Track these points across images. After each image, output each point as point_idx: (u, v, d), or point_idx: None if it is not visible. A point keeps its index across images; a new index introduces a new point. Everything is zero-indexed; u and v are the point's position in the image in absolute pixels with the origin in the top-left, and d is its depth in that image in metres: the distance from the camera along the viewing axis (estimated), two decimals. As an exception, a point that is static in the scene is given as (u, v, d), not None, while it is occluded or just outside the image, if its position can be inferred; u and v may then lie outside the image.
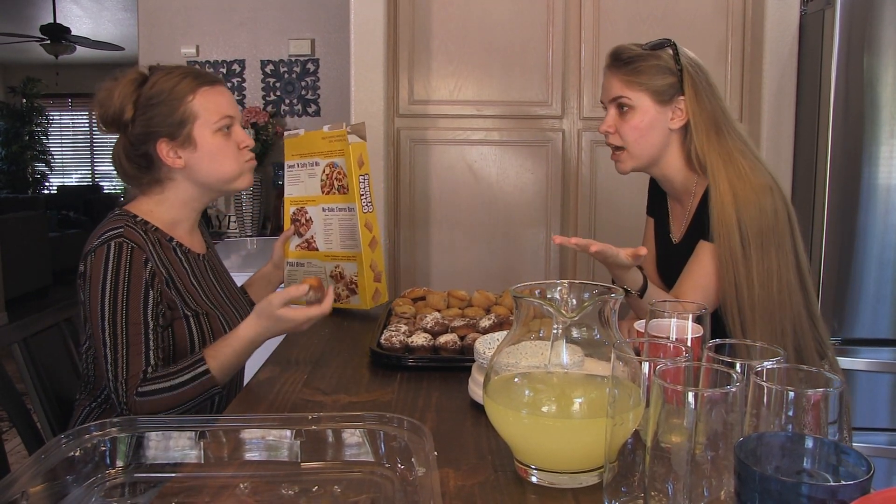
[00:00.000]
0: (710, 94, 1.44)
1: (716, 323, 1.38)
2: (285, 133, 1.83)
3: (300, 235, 1.79)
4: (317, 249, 1.77)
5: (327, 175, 1.73)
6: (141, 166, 1.39)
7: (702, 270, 1.41)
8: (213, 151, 1.38)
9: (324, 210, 1.74)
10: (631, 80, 1.43)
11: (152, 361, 1.27)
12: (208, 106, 1.37)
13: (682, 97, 1.43)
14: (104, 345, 1.25)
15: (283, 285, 1.77)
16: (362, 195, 1.68)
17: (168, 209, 1.41)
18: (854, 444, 1.46)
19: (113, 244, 1.28)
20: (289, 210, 1.82)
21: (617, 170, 1.52)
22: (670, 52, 1.44)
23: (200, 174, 1.39)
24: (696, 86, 1.43)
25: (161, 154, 1.36)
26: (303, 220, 1.78)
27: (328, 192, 1.73)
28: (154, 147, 1.36)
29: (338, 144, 1.68)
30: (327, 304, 1.31)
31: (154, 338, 1.28)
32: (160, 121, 1.34)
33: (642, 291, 1.40)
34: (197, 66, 1.50)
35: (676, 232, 1.56)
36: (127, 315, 1.26)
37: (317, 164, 1.74)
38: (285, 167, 1.81)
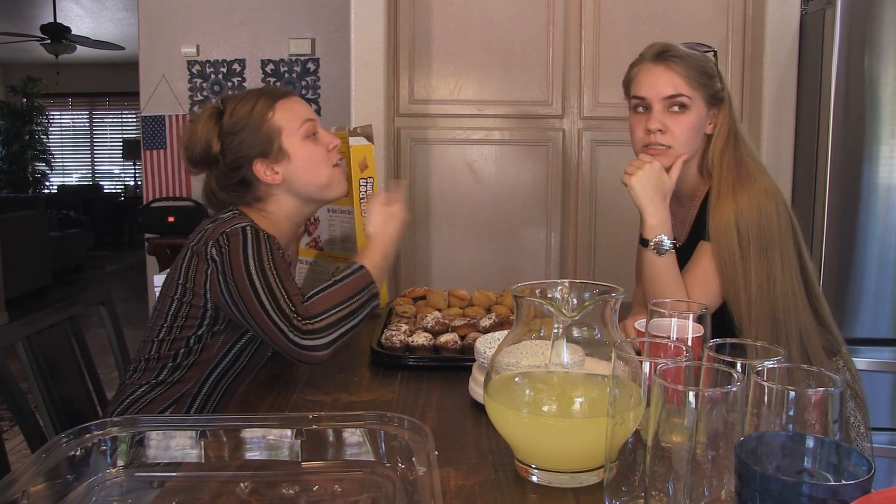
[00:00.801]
0: (733, 104, 1.45)
1: (716, 322, 1.38)
2: None
3: (309, 234, 1.80)
4: (321, 249, 1.78)
5: (396, 187, 1.73)
6: (238, 193, 1.42)
7: (702, 269, 1.41)
8: (306, 158, 1.40)
9: (328, 210, 1.75)
10: (691, 79, 1.38)
11: (302, 290, 1.30)
12: (288, 116, 1.40)
13: (721, 105, 1.43)
14: (258, 297, 1.24)
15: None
16: (362, 199, 1.67)
17: (272, 223, 1.43)
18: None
19: (249, 229, 1.31)
20: None
21: None
22: (712, 57, 1.44)
23: (297, 183, 1.42)
24: (730, 94, 1.44)
25: (258, 174, 1.39)
26: (311, 219, 1.78)
27: None
28: (250, 169, 1.39)
29: (340, 147, 1.68)
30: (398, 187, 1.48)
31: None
32: (249, 143, 1.38)
33: (674, 247, 1.39)
34: (267, 85, 1.52)
35: (679, 235, 1.56)
36: (275, 267, 1.28)
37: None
38: None
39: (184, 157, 1.43)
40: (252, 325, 1.27)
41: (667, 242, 1.38)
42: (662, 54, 1.40)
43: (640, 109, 1.43)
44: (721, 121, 1.43)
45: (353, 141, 1.65)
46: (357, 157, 1.66)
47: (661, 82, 1.39)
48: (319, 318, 1.23)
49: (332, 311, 1.25)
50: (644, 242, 1.40)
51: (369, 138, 1.68)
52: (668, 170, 1.40)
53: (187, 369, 1.36)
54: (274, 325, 1.22)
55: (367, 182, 1.67)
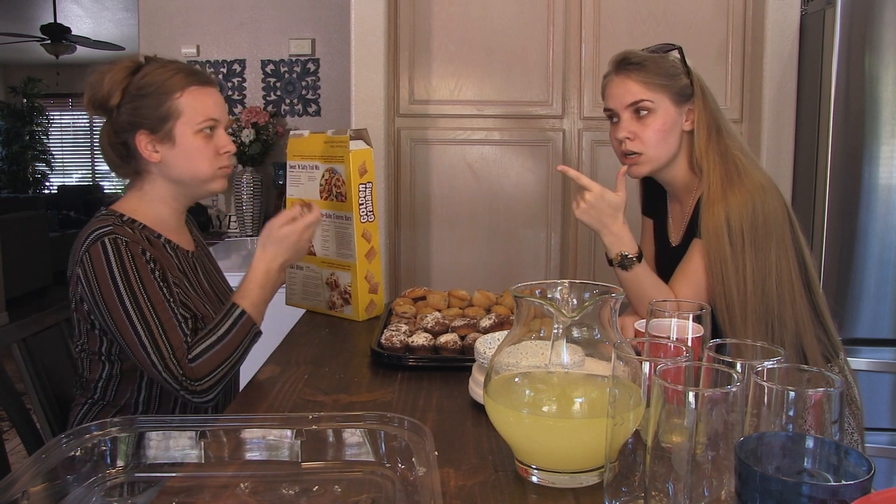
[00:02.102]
0: (711, 96, 1.46)
1: (713, 322, 1.38)
2: (291, 132, 1.79)
3: None
4: (314, 254, 1.75)
5: (326, 180, 1.68)
6: (120, 155, 1.39)
7: (692, 267, 1.42)
8: (190, 151, 1.37)
9: (324, 216, 1.70)
10: (650, 82, 1.41)
11: (187, 332, 1.28)
12: (195, 105, 1.36)
13: (693, 99, 1.44)
14: (137, 334, 1.24)
15: (284, 286, 1.76)
16: (361, 204, 1.64)
17: (150, 206, 1.41)
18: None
19: (107, 240, 1.28)
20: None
21: (631, 174, 1.48)
22: (677, 55, 1.45)
23: (174, 171, 1.39)
24: (704, 88, 1.45)
25: (139, 146, 1.36)
26: None
27: (326, 198, 1.69)
28: (133, 138, 1.36)
29: (339, 150, 1.63)
30: (316, 211, 1.44)
31: (178, 311, 1.29)
32: (144, 112, 1.34)
33: (638, 257, 1.42)
34: (195, 65, 1.49)
35: (675, 235, 1.56)
36: (148, 297, 1.26)
37: (316, 167, 1.71)
38: (287, 166, 1.78)
39: (85, 95, 1.39)
40: (137, 363, 1.28)
41: (629, 256, 1.42)
42: (620, 64, 1.45)
43: (614, 120, 1.47)
44: (697, 115, 1.44)
45: (352, 145, 1.62)
46: (356, 162, 1.62)
47: (621, 92, 1.44)
48: (207, 380, 1.26)
49: (219, 370, 1.27)
50: (609, 262, 1.45)
51: (367, 142, 1.65)
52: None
53: (116, 387, 1.36)
54: (160, 377, 1.25)
55: (366, 187, 1.64)
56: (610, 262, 1.45)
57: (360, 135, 1.64)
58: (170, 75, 1.35)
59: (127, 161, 1.39)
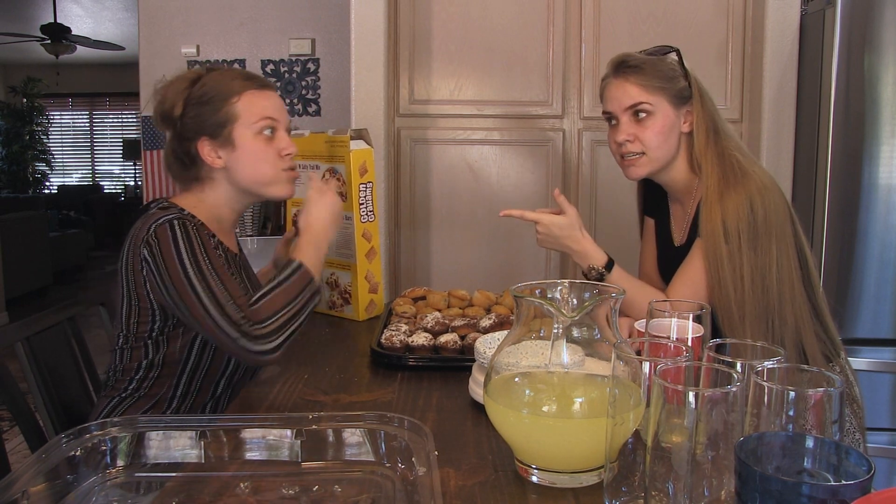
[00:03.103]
0: (709, 98, 1.47)
1: (713, 322, 1.38)
2: (292, 132, 1.80)
3: None
4: None
5: (326, 180, 1.69)
6: (184, 164, 1.41)
7: (692, 268, 1.43)
8: (251, 153, 1.39)
9: None
10: (649, 85, 1.42)
11: (247, 290, 1.29)
12: (251, 108, 1.38)
13: (691, 101, 1.45)
14: (199, 298, 1.23)
15: None
16: (361, 204, 1.64)
17: (209, 208, 1.43)
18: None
19: (176, 222, 1.29)
20: (291, 211, 1.80)
21: (629, 175, 1.49)
22: (675, 57, 1.45)
23: (238, 176, 1.40)
24: (701, 90, 1.45)
25: (202, 153, 1.38)
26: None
27: None
28: (196, 145, 1.38)
29: (339, 150, 1.64)
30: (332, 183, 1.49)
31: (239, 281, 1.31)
32: (204, 119, 1.36)
33: (608, 266, 1.45)
34: (245, 67, 1.51)
35: (678, 234, 1.56)
36: (212, 264, 1.27)
37: (317, 167, 1.72)
38: None
39: (153, 112, 1.42)
40: (198, 329, 1.27)
41: (598, 269, 1.46)
42: (618, 66, 1.45)
43: (613, 122, 1.48)
44: (696, 117, 1.44)
45: (353, 145, 1.62)
46: (357, 162, 1.63)
47: (620, 95, 1.45)
48: (269, 322, 1.23)
49: (280, 314, 1.25)
50: (585, 277, 1.49)
51: (368, 142, 1.66)
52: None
53: (155, 378, 1.35)
54: (221, 332, 1.22)
55: (366, 187, 1.64)
56: (586, 276, 1.48)
57: (360, 135, 1.65)
58: (227, 81, 1.38)
59: (190, 169, 1.41)
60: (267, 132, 1.39)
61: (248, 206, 1.51)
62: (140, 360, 1.35)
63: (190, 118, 1.37)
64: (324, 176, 1.65)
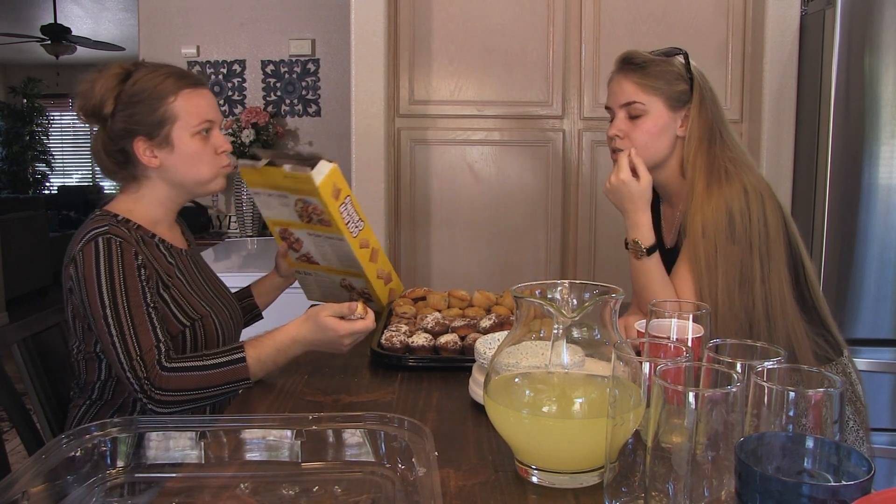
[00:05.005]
0: (713, 104, 1.45)
1: None
2: (240, 162, 1.54)
3: (295, 251, 1.68)
4: (317, 263, 1.67)
5: (301, 208, 1.50)
6: (118, 161, 1.39)
7: (677, 273, 1.43)
8: (190, 154, 1.37)
9: (310, 235, 1.55)
10: (645, 84, 1.42)
11: (161, 338, 1.26)
12: (189, 109, 1.36)
13: (689, 105, 1.44)
14: (111, 334, 1.24)
15: (298, 285, 1.74)
16: (347, 223, 1.52)
17: (146, 207, 1.41)
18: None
19: (101, 240, 1.27)
20: (274, 229, 1.68)
21: None
22: (682, 60, 1.45)
23: (175, 175, 1.39)
24: (703, 96, 1.44)
25: (137, 152, 1.36)
26: (292, 240, 1.60)
27: (308, 222, 1.52)
28: (131, 145, 1.36)
29: (305, 185, 1.43)
30: (370, 319, 1.32)
31: (157, 318, 1.28)
32: (139, 119, 1.34)
33: (650, 250, 1.41)
34: (194, 66, 1.49)
35: (668, 237, 1.56)
36: (127, 299, 1.26)
37: (285, 196, 1.51)
38: (251, 192, 1.58)
39: (76, 104, 1.39)
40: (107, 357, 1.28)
41: (640, 245, 1.41)
42: (623, 63, 1.46)
43: (611, 117, 1.49)
44: (691, 123, 1.43)
45: (317, 178, 1.39)
46: (327, 190, 1.42)
47: (617, 90, 1.46)
48: (171, 394, 1.23)
49: (187, 393, 1.24)
50: (626, 245, 1.44)
51: (327, 159, 1.42)
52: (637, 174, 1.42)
53: (115, 386, 1.36)
54: (125, 376, 1.24)
55: (345, 205, 1.45)
56: (626, 246, 1.45)
57: (315, 158, 1.43)
58: (161, 79, 1.35)
59: (124, 167, 1.39)
60: (204, 133, 1.39)
61: (183, 203, 1.48)
62: (96, 371, 1.35)
63: (123, 116, 1.34)
64: (352, 298, 1.52)
